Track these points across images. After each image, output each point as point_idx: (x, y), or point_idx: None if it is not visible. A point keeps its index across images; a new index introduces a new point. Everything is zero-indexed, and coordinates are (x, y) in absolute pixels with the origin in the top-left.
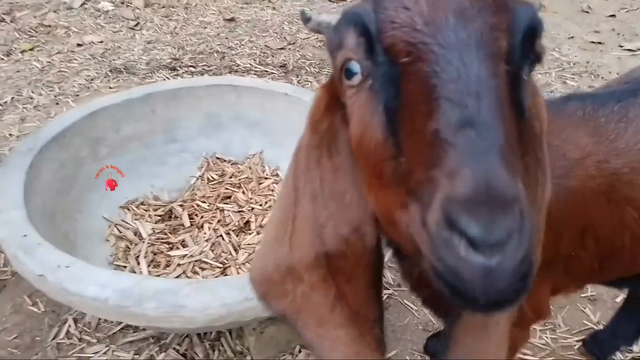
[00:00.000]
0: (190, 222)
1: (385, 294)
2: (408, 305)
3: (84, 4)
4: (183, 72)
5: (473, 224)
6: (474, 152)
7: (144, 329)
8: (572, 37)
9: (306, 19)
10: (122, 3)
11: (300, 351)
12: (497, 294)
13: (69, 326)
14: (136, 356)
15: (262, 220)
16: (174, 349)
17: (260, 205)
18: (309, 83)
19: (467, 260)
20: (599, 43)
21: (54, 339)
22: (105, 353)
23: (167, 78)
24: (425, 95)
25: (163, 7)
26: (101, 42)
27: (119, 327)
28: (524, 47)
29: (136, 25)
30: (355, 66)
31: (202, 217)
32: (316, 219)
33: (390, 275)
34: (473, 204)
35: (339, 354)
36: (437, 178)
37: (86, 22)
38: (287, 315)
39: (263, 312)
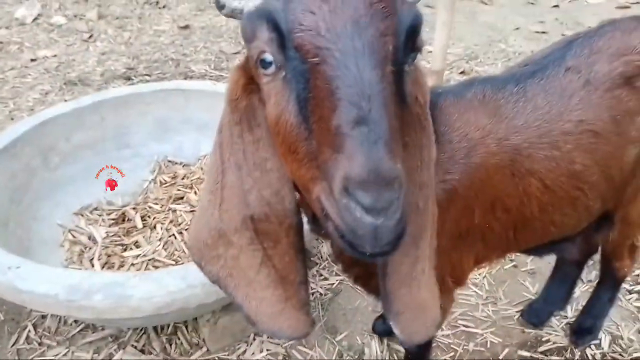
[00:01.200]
0: (143, 223)
1: (337, 280)
2: (358, 290)
3: (36, 19)
4: (138, 81)
5: (365, 197)
6: (365, 144)
7: (102, 329)
8: (517, 28)
9: (220, 6)
10: (75, 16)
11: (254, 339)
12: (381, 244)
13: (29, 331)
14: (95, 355)
15: None
16: (132, 345)
17: None
18: None
19: (361, 220)
20: (543, 33)
21: (13, 345)
22: (65, 355)
23: None
24: (329, 94)
25: (117, 18)
26: (55, 56)
27: (78, 329)
28: (407, 45)
29: (90, 37)
30: (270, 57)
31: (154, 218)
32: (242, 186)
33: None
34: (365, 182)
35: (264, 313)
36: (340, 160)
37: (39, 37)
38: (220, 279)
39: (206, 299)
